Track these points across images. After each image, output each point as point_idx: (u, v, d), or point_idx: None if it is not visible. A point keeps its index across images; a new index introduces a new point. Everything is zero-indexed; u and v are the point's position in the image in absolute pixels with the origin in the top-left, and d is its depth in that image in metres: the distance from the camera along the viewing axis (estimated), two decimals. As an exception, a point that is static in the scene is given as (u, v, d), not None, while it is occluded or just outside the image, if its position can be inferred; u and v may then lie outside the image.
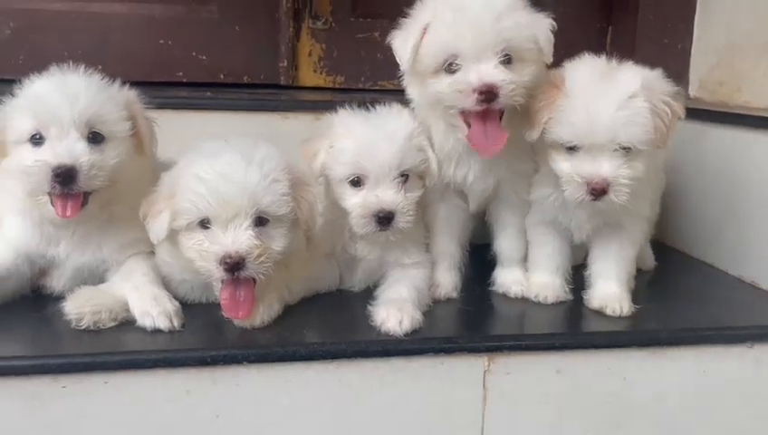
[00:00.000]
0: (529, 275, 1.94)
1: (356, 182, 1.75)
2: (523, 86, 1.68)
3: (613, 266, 1.87)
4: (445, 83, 1.70)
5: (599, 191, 1.68)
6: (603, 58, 1.77)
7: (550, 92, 1.70)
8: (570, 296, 1.91)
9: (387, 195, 1.73)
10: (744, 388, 1.78)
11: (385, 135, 1.75)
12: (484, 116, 1.70)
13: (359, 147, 1.74)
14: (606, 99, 1.65)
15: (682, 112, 1.71)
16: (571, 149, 1.70)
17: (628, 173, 1.68)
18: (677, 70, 2.61)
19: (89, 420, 1.52)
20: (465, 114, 1.72)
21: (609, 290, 1.85)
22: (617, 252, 1.87)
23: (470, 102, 1.66)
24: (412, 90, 1.84)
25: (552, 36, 1.74)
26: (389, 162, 1.73)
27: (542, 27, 1.73)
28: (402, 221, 1.73)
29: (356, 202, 1.74)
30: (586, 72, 1.72)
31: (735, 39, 2.41)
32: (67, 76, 1.70)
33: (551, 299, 1.88)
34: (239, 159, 1.60)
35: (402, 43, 1.76)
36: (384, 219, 1.72)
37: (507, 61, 1.67)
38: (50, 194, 1.63)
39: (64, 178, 1.60)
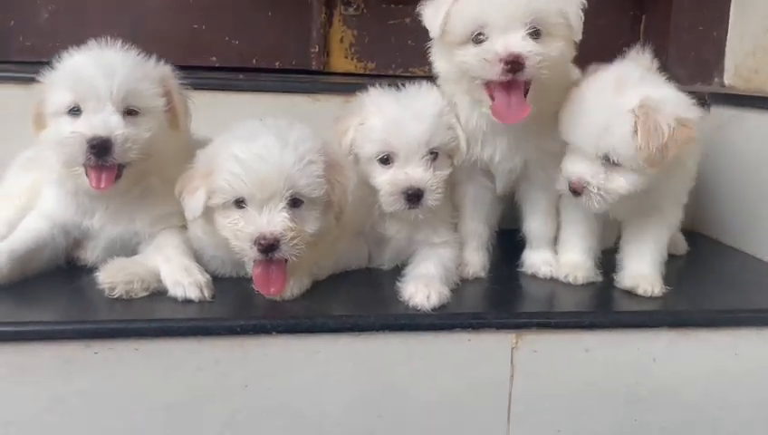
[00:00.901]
0: (559, 255, 1.94)
1: (385, 160, 1.76)
2: (550, 60, 1.67)
3: (647, 248, 1.86)
4: (472, 53, 1.70)
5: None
6: (637, 66, 1.82)
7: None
8: (600, 278, 1.90)
9: (416, 172, 1.73)
10: (776, 371, 1.75)
11: (414, 113, 1.75)
12: (508, 87, 1.69)
13: (388, 124, 1.75)
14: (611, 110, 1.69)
15: (688, 138, 1.68)
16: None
17: (619, 185, 1.70)
18: (712, 57, 2.59)
19: (119, 386, 1.54)
20: (490, 87, 1.72)
21: (642, 271, 1.84)
22: (652, 234, 1.86)
23: (496, 72, 1.65)
24: (439, 63, 1.84)
25: (581, 14, 1.73)
26: (418, 140, 1.73)
27: (572, 3, 1.72)
28: (431, 199, 1.73)
29: (385, 179, 1.75)
30: (598, 83, 1.75)
31: (772, 25, 2.38)
32: (105, 51, 1.73)
33: (581, 280, 1.87)
34: (275, 141, 1.61)
35: (433, 12, 1.77)
36: (413, 196, 1.72)
37: (535, 34, 1.67)
38: (85, 165, 1.66)
39: (99, 149, 1.63)
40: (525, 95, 1.71)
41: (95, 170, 1.66)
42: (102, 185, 1.66)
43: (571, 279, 1.87)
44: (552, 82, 1.73)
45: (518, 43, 1.64)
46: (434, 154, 1.76)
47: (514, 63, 1.63)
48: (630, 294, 1.81)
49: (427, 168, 1.74)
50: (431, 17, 1.77)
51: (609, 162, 1.70)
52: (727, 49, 2.58)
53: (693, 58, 2.57)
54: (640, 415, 1.74)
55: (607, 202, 1.72)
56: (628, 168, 1.69)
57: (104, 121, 1.64)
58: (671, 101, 1.71)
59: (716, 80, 2.61)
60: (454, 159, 1.82)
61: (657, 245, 1.87)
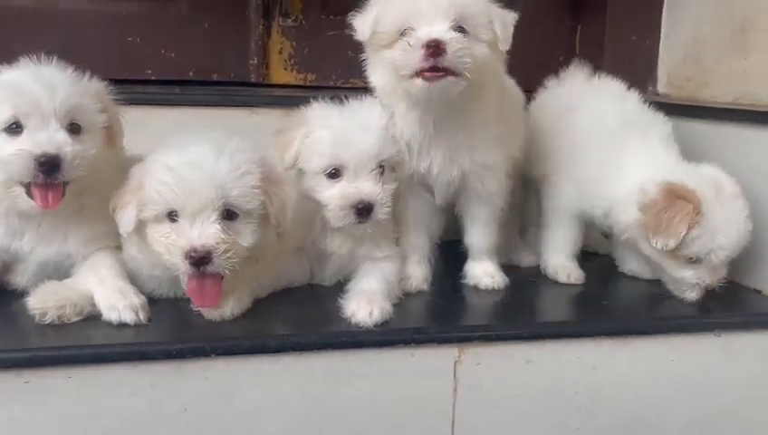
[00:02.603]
0: (547, 258, 2.05)
1: (333, 174, 1.74)
2: (473, 56, 1.68)
3: None
4: (398, 47, 1.70)
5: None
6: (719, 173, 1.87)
7: (680, 204, 1.77)
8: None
9: (366, 186, 1.72)
10: (711, 376, 1.80)
11: (362, 125, 1.75)
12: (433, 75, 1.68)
13: (336, 138, 1.73)
14: (739, 218, 1.80)
15: None
16: (695, 260, 1.82)
17: None
18: (646, 66, 2.64)
19: (51, 415, 1.49)
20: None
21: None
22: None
23: (418, 58, 1.65)
24: (375, 74, 1.84)
25: (510, 26, 1.76)
26: (368, 153, 1.72)
27: (500, 12, 1.76)
28: (381, 212, 1.73)
29: (333, 194, 1.73)
30: (705, 187, 1.80)
31: (701, 35, 2.44)
32: (42, 67, 1.68)
33: (573, 278, 2.00)
34: (209, 150, 1.59)
35: (362, 18, 1.79)
36: (363, 211, 1.71)
37: (461, 31, 1.68)
38: (29, 184, 1.61)
39: (49, 166, 1.57)
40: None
41: (41, 189, 1.61)
42: (51, 203, 1.61)
43: (571, 279, 2.01)
44: (478, 86, 1.74)
45: (441, 31, 1.66)
46: (381, 168, 1.75)
47: (436, 48, 1.63)
48: (571, 302, 1.84)
49: (377, 181, 1.73)
50: (361, 22, 1.79)
51: None
52: (660, 58, 2.64)
53: (627, 67, 2.61)
54: (582, 423, 1.76)
55: None
56: None
57: (51, 138, 1.60)
58: None
59: (651, 88, 2.66)
60: (397, 173, 1.81)
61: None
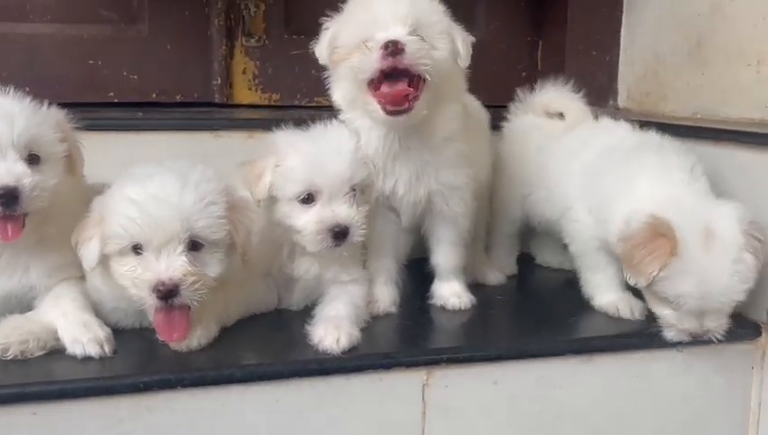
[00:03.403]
0: (598, 299, 1.96)
1: (306, 199, 1.75)
2: (433, 60, 1.69)
3: None
4: (357, 53, 1.72)
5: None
6: (694, 197, 1.78)
7: (657, 242, 1.68)
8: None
9: (341, 210, 1.73)
10: (674, 390, 1.83)
11: (333, 150, 1.76)
12: (394, 82, 1.70)
13: (309, 163, 1.73)
14: (719, 267, 1.67)
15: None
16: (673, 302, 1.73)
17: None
18: (606, 81, 2.69)
19: (17, 454, 1.47)
20: (374, 87, 1.71)
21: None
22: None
23: (376, 58, 1.66)
24: (336, 90, 1.85)
25: (470, 45, 1.79)
26: (341, 176, 1.73)
27: (459, 29, 1.79)
28: (357, 235, 1.74)
29: (309, 219, 1.73)
30: (692, 229, 1.69)
31: (660, 50, 2.49)
32: None
33: (637, 314, 1.89)
34: (173, 181, 1.57)
35: (319, 41, 1.82)
36: (340, 234, 1.72)
37: (419, 37, 1.70)
38: None
39: (8, 199, 1.55)
40: (416, 100, 1.71)
41: (0, 221, 1.59)
42: (10, 235, 1.58)
43: (628, 314, 1.90)
44: (440, 98, 1.77)
45: (399, 33, 1.68)
46: (354, 190, 1.76)
47: (394, 48, 1.65)
48: (537, 321, 1.87)
49: (351, 204, 1.74)
50: (318, 46, 1.83)
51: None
52: (620, 73, 2.69)
53: (588, 82, 2.64)
54: (549, 440, 1.78)
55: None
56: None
57: (9, 170, 1.57)
58: (746, 219, 1.74)
59: (611, 102, 2.72)
60: (366, 196, 1.82)
61: None
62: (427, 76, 1.69)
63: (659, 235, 1.69)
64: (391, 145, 1.81)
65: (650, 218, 1.71)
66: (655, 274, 1.68)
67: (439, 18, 1.77)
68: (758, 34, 2.03)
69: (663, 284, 1.70)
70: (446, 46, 1.75)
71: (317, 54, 1.84)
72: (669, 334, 1.77)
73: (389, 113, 1.71)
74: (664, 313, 1.76)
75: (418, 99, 1.70)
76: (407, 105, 1.70)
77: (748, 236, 1.70)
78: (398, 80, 1.69)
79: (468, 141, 1.91)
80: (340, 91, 1.84)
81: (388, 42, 1.66)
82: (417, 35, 1.70)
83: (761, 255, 1.71)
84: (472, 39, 1.82)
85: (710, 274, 1.67)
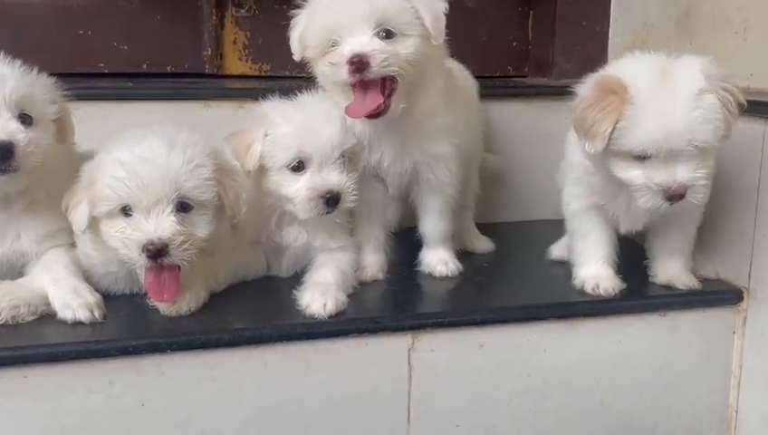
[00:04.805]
0: (576, 270, 1.90)
1: (297, 167, 1.76)
2: (402, 57, 1.69)
3: (677, 243, 1.89)
4: (326, 61, 1.73)
5: (678, 197, 1.62)
6: (652, 54, 1.69)
7: (607, 100, 1.60)
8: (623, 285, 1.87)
9: (332, 176, 1.75)
10: (658, 354, 1.86)
11: (322, 117, 1.77)
12: (365, 87, 1.71)
13: (299, 131, 1.75)
14: (677, 101, 1.57)
15: (742, 97, 1.62)
16: (642, 156, 1.62)
17: (705, 173, 1.63)
18: (597, 51, 2.68)
19: (8, 416, 1.50)
20: (352, 88, 1.73)
21: (676, 266, 1.89)
22: (679, 229, 1.87)
23: (344, 74, 1.67)
24: (319, 77, 1.85)
25: (440, 14, 1.75)
26: (332, 143, 1.75)
27: (427, 3, 1.74)
28: (348, 201, 1.76)
29: (300, 187, 1.75)
30: (646, 73, 1.61)
31: (649, 20, 2.48)
32: None
33: (610, 290, 1.83)
34: (161, 144, 1.60)
35: (291, 37, 1.83)
36: (332, 200, 1.74)
37: (388, 34, 1.70)
38: None
39: (3, 153, 1.57)
40: (391, 94, 1.72)
41: None
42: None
43: (601, 291, 1.82)
44: (419, 80, 1.76)
45: (364, 43, 1.67)
46: (343, 157, 1.78)
47: (359, 63, 1.65)
48: (524, 286, 1.90)
49: (341, 171, 1.76)
50: (292, 42, 1.84)
51: (695, 150, 1.60)
52: (610, 43, 2.68)
53: (578, 52, 2.66)
54: (535, 404, 1.81)
55: (705, 192, 1.66)
56: (714, 147, 1.63)
57: (3, 126, 1.59)
58: (711, 64, 1.64)
59: (602, 72, 2.71)
60: (354, 163, 1.84)
61: (687, 238, 1.89)
62: (399, 78, 1.70)
63: (610, 91, 1.61)
64: (377, 127, 1.81)
65: (600, 78, 1.67)
66: (610, 129, 1.59)
67: (403, 6, 1.72)
68: (744, 3, 2.03)
69: (623, 138, 1.60)
70: (418, 31, 1.73)
71: (293, 52, 1.84)
72: (643, 200, 1.65)
73: (366, 116, 1.72)
74: (632, 174, 1.64)
75: (394, 94, 1.71)
76: (381, 108, 1.71)
77: (712, 80, 1.60)
78: (371, 82, 1.69)
79: (454, 111, 1.91)
80: (321, 77, 1.84)
81: (353, 56, 1.65)
82: (385, 30, 1.69)
83: (731, 106, 1.60)
84: (444, 6, 1.76)
85: (667, 109, 1.57)
